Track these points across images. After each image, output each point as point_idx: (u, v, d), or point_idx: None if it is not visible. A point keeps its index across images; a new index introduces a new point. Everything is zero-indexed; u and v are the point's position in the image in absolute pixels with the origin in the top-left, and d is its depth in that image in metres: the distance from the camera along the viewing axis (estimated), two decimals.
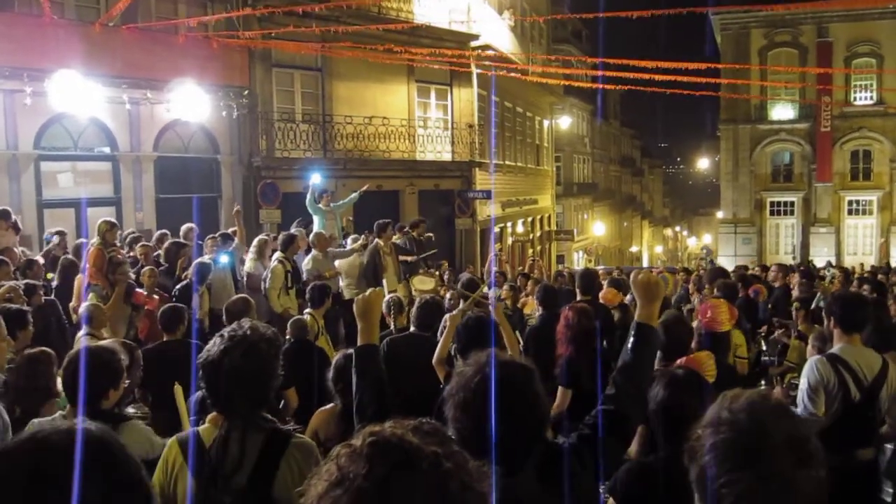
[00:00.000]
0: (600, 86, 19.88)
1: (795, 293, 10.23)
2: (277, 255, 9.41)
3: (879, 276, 13.10)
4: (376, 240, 10.41)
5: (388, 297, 7.39)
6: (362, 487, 1.21)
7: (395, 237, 11.41)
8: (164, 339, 6.15)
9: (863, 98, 35.73)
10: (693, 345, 5.13)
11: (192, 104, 14.20)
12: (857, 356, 4.49)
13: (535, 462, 2.27)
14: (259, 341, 2.67)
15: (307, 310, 7.72)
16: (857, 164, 36.34)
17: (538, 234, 30.63)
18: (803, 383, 4.52)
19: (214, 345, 2.68)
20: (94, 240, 8.51)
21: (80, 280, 8.24)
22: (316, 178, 12.66)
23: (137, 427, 3.56)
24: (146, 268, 8.88)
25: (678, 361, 4.02)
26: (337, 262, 10.46)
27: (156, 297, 8.08)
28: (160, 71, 14.12)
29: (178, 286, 8.77)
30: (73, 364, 3.52)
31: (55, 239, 10.40)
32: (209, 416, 2.82)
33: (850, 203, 36.72)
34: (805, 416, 4.30)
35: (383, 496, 1.20)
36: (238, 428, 2.66)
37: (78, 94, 12.23)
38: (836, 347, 4.58)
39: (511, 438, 2.10)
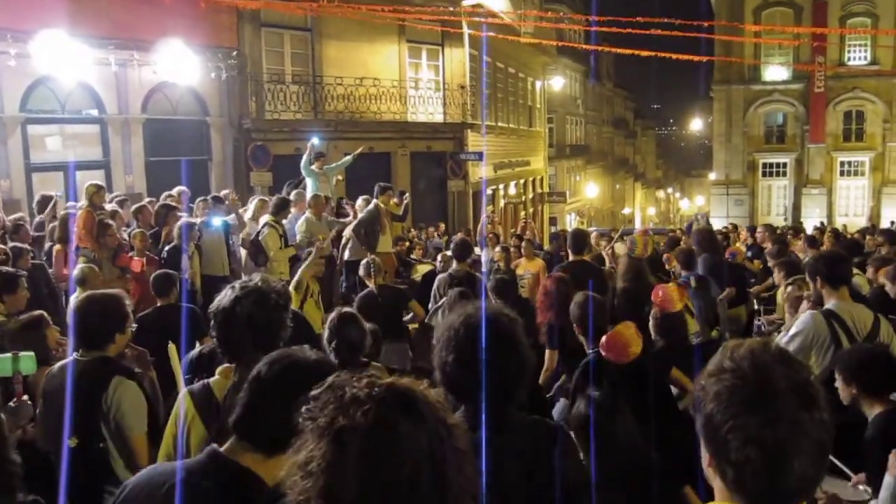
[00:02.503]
0: (594, 47, 19.71)
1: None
2: (267, 218, 9.31)
3: (868, 239, 13.07)
4: (374, 200, 10.39)
5: (366, 259, 7.46)
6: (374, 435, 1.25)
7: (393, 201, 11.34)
8: (158, 304, 6.15)
9: (857, 58, 35.51)
10: (651, 327, 5.27)
11: (179, 66, 14.00)
12: (850, 312, 4.56)
13: (520, 421, 2.31)
14: (270, 291, 2.82)
15: None
16: (850, 125, 36.25)
17: (530, 195, 30.56)
18: (792, 329, 4.58)
19: (226, 296, 2.82)
20: (82, 203, 8.45)
21: (59, 250, 8.14)
22: (316, 142, 12.59)
23: (134, 389, 3.56)
24: (137, 230, 8.82)
25: (602, 340, 4.06)
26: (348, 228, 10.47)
27: (138, 258, 8.05)
28: (147, 32, 13.88)
29: (166, 247, 8.73)
30: (81, 308, 3.58)
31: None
32: (219, 369, 2.90)
33: (843, 164, 36.71)
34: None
35: (397, 443, 1.25)
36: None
37: (64, 56, 12.02)
38: (830, 304, 4.64)
39: (495, 383, 2.14)
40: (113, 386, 3.44)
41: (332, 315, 4.60)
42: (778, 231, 15.71)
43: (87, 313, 3.55)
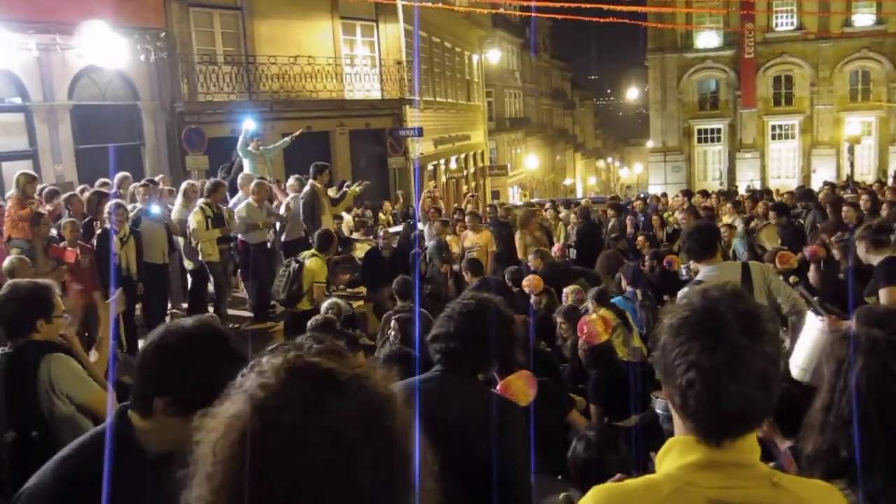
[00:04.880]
0: (527, 14, 19.72)
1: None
2: (201, 201, 9.26)
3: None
4: (311, 181, 10.28)
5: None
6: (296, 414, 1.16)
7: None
8: None
9: (784, 24, 36.37)
10: (584, 361, 5.53)
11: (106, 49, 13.60)
12: (717, 274, 4.47)
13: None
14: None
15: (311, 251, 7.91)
16: (780, 90, 37.22)
17: (472, 170, 30.64)
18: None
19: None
20: (12, 192, 8.24)
21: None
22: (250, 124, 12.28)
23: (65, 360, 3.48)
24: (66, 220, 8.60)
25: (497, 388, 4.04)
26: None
27: (71, 249, 7.88)
28: (69, 14, 13.39)
29: (97, 232, 8.55)
30: (2, 296, 3.46)
31: None
32: None
33: (774, 128, 37.71)
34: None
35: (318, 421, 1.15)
36: None
37: None
38: (699, 275, 4.67)
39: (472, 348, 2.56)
40: (45, 364, 3.36)
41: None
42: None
43: (6, 300, 3.43)
